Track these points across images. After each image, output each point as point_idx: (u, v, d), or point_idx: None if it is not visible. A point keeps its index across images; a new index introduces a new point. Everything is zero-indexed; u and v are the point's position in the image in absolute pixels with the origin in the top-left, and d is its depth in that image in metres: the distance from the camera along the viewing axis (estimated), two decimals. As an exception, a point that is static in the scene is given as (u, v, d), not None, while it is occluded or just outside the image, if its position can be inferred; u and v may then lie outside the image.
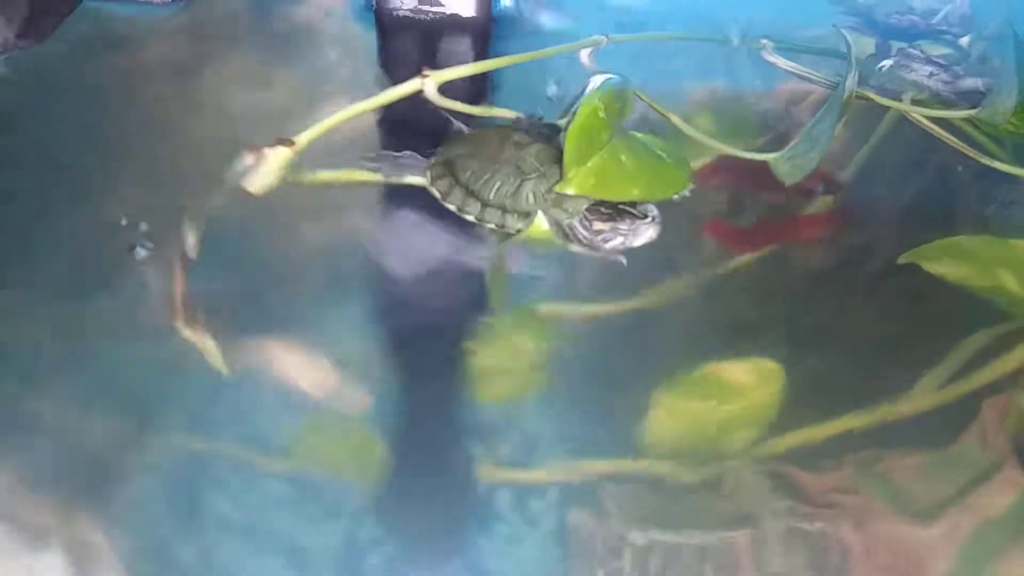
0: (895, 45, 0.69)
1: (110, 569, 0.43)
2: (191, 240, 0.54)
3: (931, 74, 0.67)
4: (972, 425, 0.49)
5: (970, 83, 0.66)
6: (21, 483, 0.45)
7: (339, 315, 0.53)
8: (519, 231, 0.55)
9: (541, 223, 0.55)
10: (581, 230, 0.54)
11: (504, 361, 0.52)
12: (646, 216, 0.54)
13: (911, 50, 0.69)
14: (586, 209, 0.54)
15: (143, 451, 0.46)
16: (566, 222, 0.55)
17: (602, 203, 0.54)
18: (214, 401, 0.48)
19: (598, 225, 0.54)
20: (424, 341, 0.52)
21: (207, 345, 0.50)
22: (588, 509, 0.45)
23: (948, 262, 0.56)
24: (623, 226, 0.53)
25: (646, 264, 0.55)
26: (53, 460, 0.46)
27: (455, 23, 0.70)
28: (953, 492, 0.47)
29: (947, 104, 0.65)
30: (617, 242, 0.54)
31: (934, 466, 0.48)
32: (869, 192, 0.61)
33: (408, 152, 0.59)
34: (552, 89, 0.64)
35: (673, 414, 0.49)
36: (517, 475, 0.47)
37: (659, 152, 0.58)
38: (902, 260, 0.56)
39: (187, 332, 0.50)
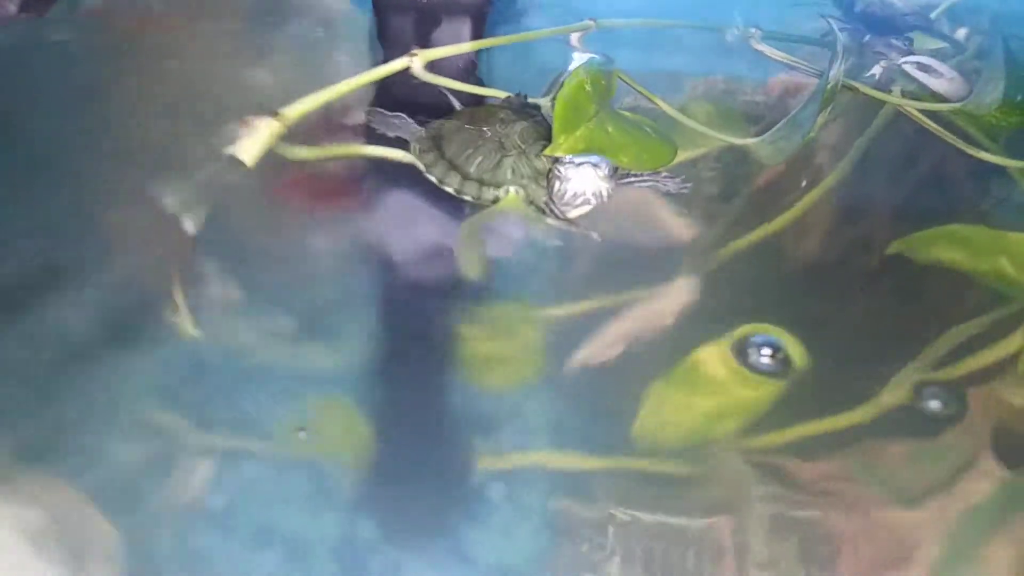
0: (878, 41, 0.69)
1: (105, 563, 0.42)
2: (190, 213, 0.54)
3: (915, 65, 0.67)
4: (956, 415, 0.49)
5: (938, 84, 0.67)
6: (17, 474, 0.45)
7: (331, 292, 0.53)
8: (496, 200, 0.56)
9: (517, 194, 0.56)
10: (554, 203, 0.55)
11: (498, 349, 0.52)
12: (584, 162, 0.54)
13: (894, 42, 0.69)
14: None
15: (137, 441, 0.46)
16: (543, 199, 0.56)
17: None
18: (205, 385, 0.48)
19: (551, 181, 0.55)
20: (415, 318, 0.53)
21: (187, 320, 0.50)
22: (578, 497, 0.45)
23: (943, 248, 0.56)
24: (560, 168, 0.54)
25: (639, 257, 0.56)
26: (44, 448, 0.46)
27: (453, 4, 0.71)
28: (941, 480, 0.47)
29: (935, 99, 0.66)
30: (567, 192, 0.54)
31: (923, 453, 0.48)
32: (864, 185, 0.62)
33: (400, 114, 0.60)
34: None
35: (665, 405, 0.49)
36: (509, 462, 0.47)
37: (646, 129, 0.59)
38: (893, 249, 0.56)
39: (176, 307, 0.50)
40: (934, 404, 0.49)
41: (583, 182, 0.54)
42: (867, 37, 0.70)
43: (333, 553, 0.43)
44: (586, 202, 0.55)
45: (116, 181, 0.57)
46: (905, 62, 0.68)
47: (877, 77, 0.67)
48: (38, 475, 0.44)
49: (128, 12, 0.71)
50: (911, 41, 0.70)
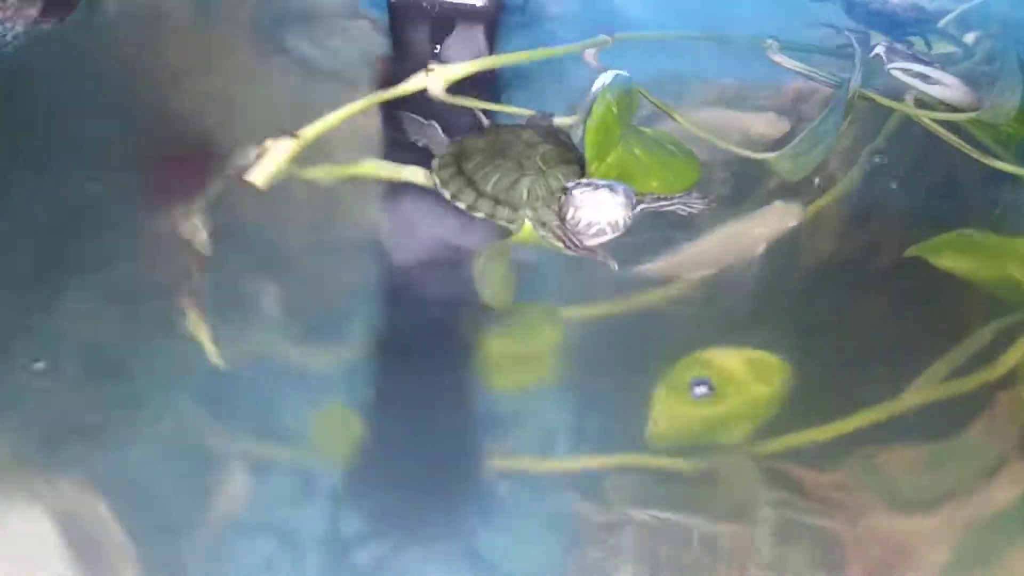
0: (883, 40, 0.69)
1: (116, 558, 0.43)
2: (202, 234, 0.54)
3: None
4: (977, 420, 0.49)
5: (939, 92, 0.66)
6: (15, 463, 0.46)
7: (347, 308, 0.54)
8: (511, 224, 0.55)
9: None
10: (567, 230, 0.53)
11: (513, 353, 0.52)
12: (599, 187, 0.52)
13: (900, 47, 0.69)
14: None
15: (143, 440, 0.47)
16: (555, 223, 0.54)
17: None
18: (217, 392, 0.49)
19: (564, 207, 0.53)
20: (432, 331, 0.53)
21: (206, 338, 0.50)
22: (593, 499, 0.46)
23: (954, 255, 0.56)
24: (574, 193, 0.52)
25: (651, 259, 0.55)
26: (49, 442, 0.46)
27: (466, 11, 0.71)
28: (956, 486, 0.47)
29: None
30: (580, 220, 0.52)
31: (938, 459, 0.48)
32: (875, 191, 0.61)
33: (433, 122, 0.60)
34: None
35: (677, 408, 0.49)
36: (523, 465, 0.47)
37: (669, 147, 0.59)
38: (909, 253, 0.56)
39: (191, 323, 0.51)
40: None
41: (598, 210, 0.52)
42: (876, 41, 0.69)
43: (335, 557, 0.44)
44: (601, 232, 0.52)
45: (125, 193, 0.58)
46: (893, 67, 0.66)
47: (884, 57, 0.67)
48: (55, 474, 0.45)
49: (147, 20, 0.71)
50: (928, 43, 0.70)
